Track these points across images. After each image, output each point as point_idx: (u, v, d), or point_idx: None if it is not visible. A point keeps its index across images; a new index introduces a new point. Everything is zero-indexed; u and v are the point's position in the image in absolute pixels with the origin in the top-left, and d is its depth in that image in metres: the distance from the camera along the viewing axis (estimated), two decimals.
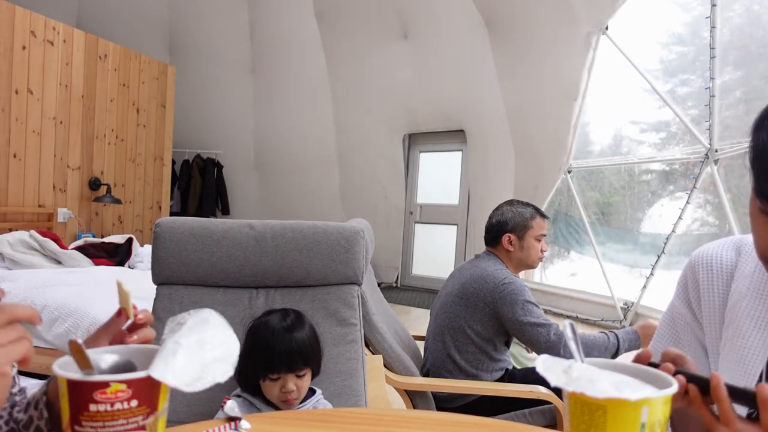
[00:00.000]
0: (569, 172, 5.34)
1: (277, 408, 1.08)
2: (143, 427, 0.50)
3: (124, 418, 0.48)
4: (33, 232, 3.55)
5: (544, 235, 1.89)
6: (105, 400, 0.47)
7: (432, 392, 1.77)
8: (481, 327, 1.74)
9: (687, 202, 4.20)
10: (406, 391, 1.69)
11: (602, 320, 4.75)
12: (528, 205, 1.91)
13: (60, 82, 4.18)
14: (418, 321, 4.77)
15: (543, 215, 1.90)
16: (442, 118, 6.09)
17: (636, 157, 5.14)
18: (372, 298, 1.64)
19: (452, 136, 6.22)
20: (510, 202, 1.93)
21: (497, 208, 1.93)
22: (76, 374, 0.49)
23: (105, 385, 0.47)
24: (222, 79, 6.65)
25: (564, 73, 4.90)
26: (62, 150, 4.24)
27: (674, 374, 0.57)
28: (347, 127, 6.56)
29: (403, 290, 6.35)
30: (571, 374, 0.54)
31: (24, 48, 3.85)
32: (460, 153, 6.26)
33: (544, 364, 0.57)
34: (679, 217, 4.25)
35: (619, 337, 1.68)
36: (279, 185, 7.05)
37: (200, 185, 6.72)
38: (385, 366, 1.66)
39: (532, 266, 1.91)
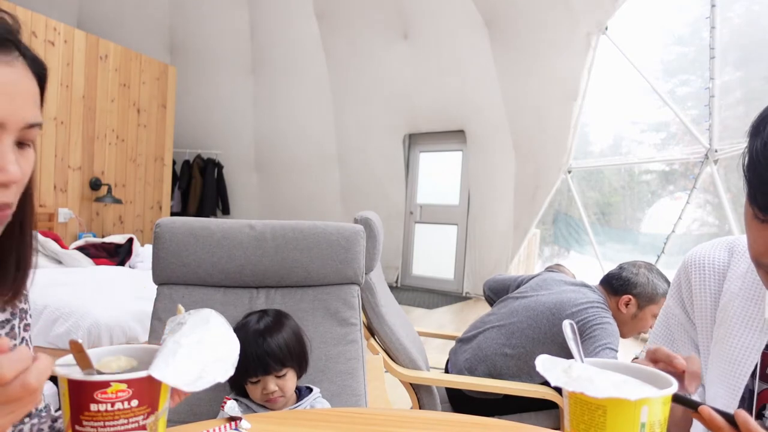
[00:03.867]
0: (569, 172, 5.34)
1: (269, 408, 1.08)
2: (144, 427, 0.51)
3: (124, 417, 0.49)
4: (34, 231, 3.54)
5: None
6: (105, 399, 0.47)
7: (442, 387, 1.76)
8: (557, 349, 1.69)
9: (687, 202, 4.21)
10: (411, 385, 1.69)
11: None
12: (666, 280, 1.81)
13: (61, 83, 4.18)
14: (419, 320, 4.77)
15: None
16: (442, 119, 6.09)
17: (636, 157, 5.14)
18: (381, 290, 1.64)
19: (452, 136, 6.22)
20: (650, 268, 1.82)
21: (634, 264, 1.83)
22: (76, 374, 0.49)
23: (106, 384, 0.47)
24: (222, 80, 6.65)
25: (564, 73, 4.90)
26: (63, 150, 4.24)
27: (697, 407, 0.57)
28: (348, 127, 6.56)
29: (403, 290, 6.35)
30: (571, 374, 0.54)
31: None
32: (460, 153, 6.26)
33: (543, 364, 0.57)
34: (679, 217, 4.25)
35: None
36: (279, 185, 7.05)
37: (201, 185, 6.72)
38: (391, 359, 1.66)
39: (627, 336, 1.82)
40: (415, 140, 6.60)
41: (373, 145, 6.52)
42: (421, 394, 1.72)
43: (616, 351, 1.61)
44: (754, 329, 0.72)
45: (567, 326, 0.63)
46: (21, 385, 0.42)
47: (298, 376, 1.12)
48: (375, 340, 1.67)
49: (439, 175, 6.51)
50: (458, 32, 5.44)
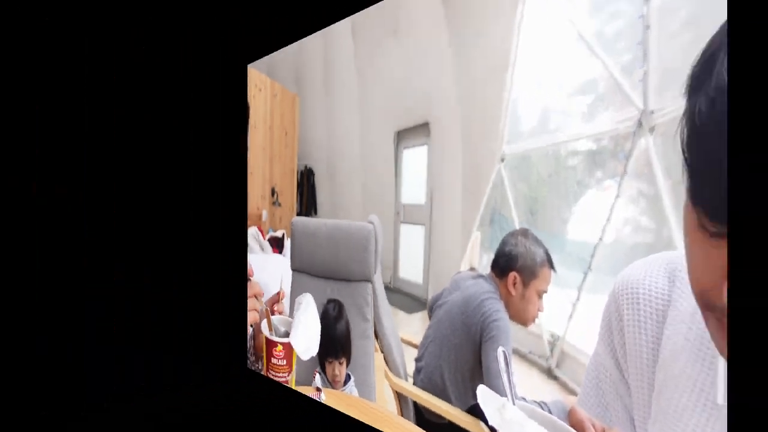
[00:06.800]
0: (503, 160, 5.32)
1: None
2: (287, 381, 0.78)
3: (283, 372, 0.76)
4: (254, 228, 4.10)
5: (545, 292, 1.49)
6: (277, 355, 0.74)
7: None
8: (473, 347, 1.56)
9: (617, 195, 4.10)
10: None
11: (530, 353, 4.56)
12: (540, 245, 1.47)
13: (264, 121, 4.49)
14: (402, 324, 4.85)
15: (552, 265, 1.44)
16: (411, 110, 6.00)
17: (564, 134, 5.42)
18: (381, 294, 1.77)
19: (420, 130, 6.19)
20: (525, 233, 1.52)
21: (512, 234, 1.54)
22: (267, 333, 0.75)
23: (276, 344, 0.74)
24: None
25: (492, 38, 4.73)
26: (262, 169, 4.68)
27: None
28: (345, 126, 6.37)
29: (393, 292, 6.34)
30: (504, 415, 0.62)
31: None
32: (426, 147, 6.24)
33: (482, 396, 0.64)
34: (608, 219, 4.18)
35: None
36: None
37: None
38: (385, 363, 1.74)
39: (523, 324, 1.52)
40: (401, 137, 6.54)
41: (370, 144, 6.36)
42: (401, 403, 1.68)
43: (510, 348, 1.51)
44: (704, 408, 0.49)
45: (501, 354, 0.61)
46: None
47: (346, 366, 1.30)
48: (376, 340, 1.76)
49: (414, 173, 6.44)
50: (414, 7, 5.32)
